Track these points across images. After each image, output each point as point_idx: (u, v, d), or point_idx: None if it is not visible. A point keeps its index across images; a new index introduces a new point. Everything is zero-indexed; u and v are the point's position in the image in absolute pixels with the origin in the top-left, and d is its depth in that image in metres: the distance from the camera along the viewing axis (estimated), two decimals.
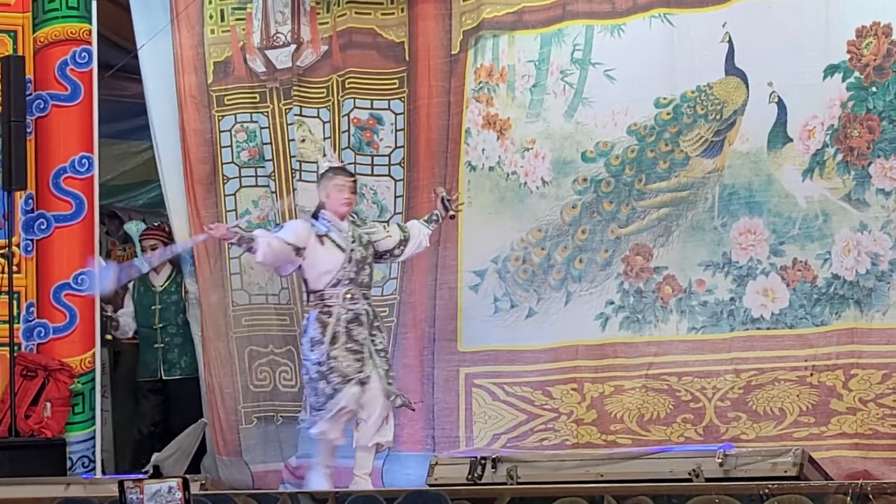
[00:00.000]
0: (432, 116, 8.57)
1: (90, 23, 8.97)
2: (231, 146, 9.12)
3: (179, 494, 5.88)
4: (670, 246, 7.93)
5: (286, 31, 8.99)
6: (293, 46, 8.92)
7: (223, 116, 9.15)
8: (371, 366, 7.43)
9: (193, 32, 9.16)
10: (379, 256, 7.75)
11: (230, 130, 9.12)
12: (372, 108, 8.78)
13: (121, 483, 6.05)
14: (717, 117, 7.88)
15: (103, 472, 8.63)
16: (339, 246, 7.54)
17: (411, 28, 8.70)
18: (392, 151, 8.73)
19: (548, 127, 8.27)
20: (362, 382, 7.39)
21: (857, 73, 7.50)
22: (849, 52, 7.52)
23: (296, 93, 8.93)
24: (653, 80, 8.00)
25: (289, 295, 8.92)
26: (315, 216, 7.67)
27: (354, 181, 7.73)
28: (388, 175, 8.74)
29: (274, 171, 9.01)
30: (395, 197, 8.69)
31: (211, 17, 9.17)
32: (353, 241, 7.57)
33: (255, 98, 9.06)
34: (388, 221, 8.38)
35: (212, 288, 9.07)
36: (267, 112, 9.04)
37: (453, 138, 8.51)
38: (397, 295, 8.58)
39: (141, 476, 6.20)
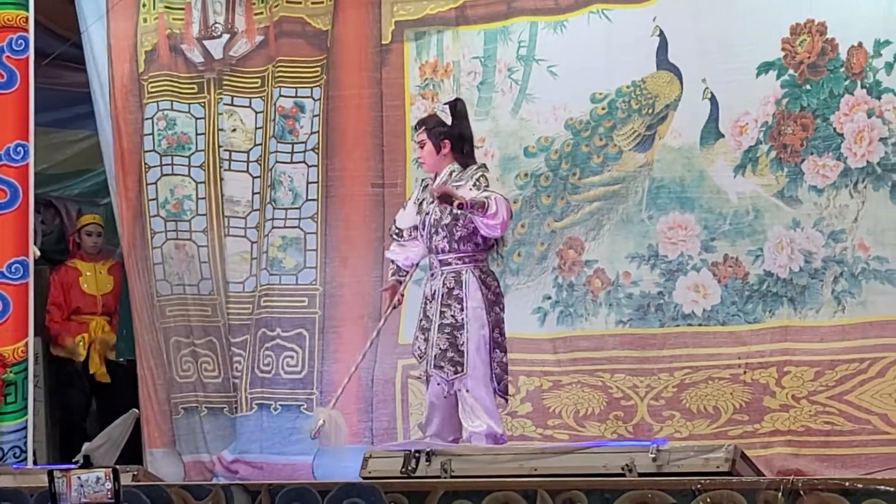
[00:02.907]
0: (363, 108, 8.54)
1: (27, 10, 8.88)
2: (153, 134, 9.06)
3: (108, 485, 5.81)
4: (601, 239, 7.94)
5: (223, 21, 8.96)
6: (227, 37, 8.91)
7: (149, 105, 9.10)
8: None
9: (130, 22, 9.12)
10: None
11: (153, 118, 9.07)
12: (296, 97, 8.76)
13: (50, 473, 5.99)
14: (650, 111, 7.91)
15: (35, 463, 8.54)
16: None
17: (336, 15, 8.66)
18: (308, 137, 8.70)
19: (496, 125, 8.26)
20: None
21: (791, 71, 7.55)
22: (783, 49, 7.57)
23: (228, 82, 8.90)
24: (590, 76, 8.02)
25: (211, 285, 8.86)
26: None
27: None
28: (303, 162, 8.72)
29: (205, 160, 8.97)
30: (308, 183, 8.66)
31: (144, 5, 9.13)
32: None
33: (192, 88, 9.01)
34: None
35: (138, 278, 9.03)
36: (204, 102, 9.00)
37: (392, 131, 8.49)
38: (320, 286, 8.55)
39: (70, 466, 6.13)
